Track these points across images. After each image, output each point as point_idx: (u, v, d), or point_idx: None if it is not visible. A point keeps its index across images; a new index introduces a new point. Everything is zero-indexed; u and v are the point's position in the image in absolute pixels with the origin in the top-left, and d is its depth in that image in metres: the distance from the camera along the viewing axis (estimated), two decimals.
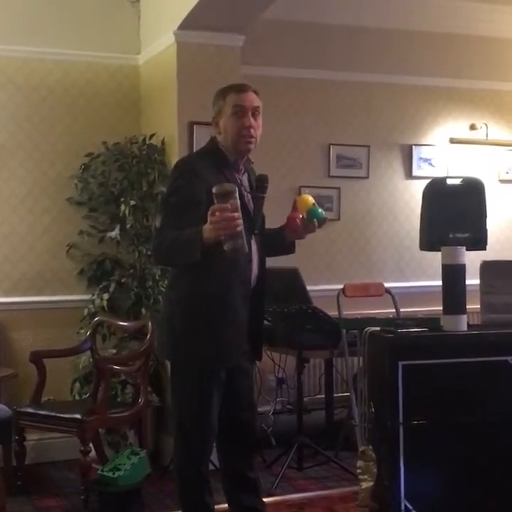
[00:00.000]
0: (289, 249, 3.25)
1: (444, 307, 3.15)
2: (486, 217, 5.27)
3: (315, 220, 3.05)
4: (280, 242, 3.19)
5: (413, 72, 5.79)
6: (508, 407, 3.05)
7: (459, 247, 3.17)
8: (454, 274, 3.13)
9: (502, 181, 6.13)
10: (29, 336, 4.86)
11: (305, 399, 4.91)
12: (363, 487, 3.04)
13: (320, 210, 3.09)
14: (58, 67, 5.00)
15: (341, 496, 4.14)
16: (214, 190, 2.73)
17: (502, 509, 3.06)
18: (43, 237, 4.97)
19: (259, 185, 3.08)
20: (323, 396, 5.19)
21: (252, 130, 3.05)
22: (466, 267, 4.16)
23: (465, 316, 3.12)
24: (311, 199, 3.11)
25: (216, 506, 3.14)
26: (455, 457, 3.01)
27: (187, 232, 2.83)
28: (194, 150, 4.65)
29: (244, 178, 3.14)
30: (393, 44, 5.75)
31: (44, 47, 4.95)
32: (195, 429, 3.08)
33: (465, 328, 3.11)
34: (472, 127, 6.02)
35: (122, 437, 4.60)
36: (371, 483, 3.02)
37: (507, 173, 6.14)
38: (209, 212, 2.71)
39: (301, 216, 3.08)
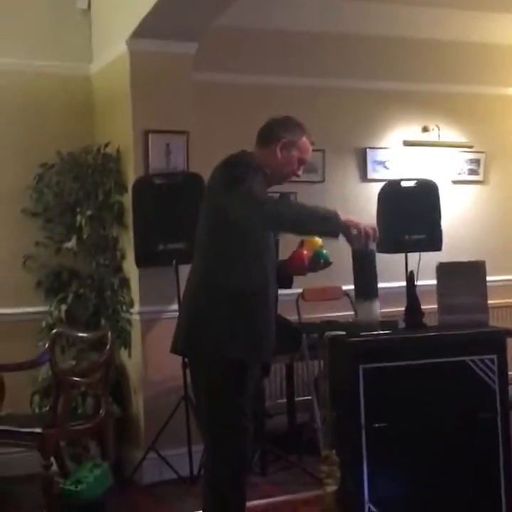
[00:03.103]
0: (287, 282, 3.38)
1: (356, 294, 3.15)
2: (440, 218, 5.39)
3: (322, 261, 3.17)
4: (280, 274, 3.27)
5: (366, 76, 5.84)
6: (468, 408, 3.10)
7: None
8: (363, 260, 3.13)
9: (455, 182, 6.22)
10: None
11: (267, 404, 4.93)
12: (327, 491, 3.06)
13: (326, 251, 3.22)
14: (9, 76, 4.93)
15: (305, 500, 4.15)
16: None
17: (464, 507, 3.10)
18: None
19: None
20: (285, 400, 5.21)
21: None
22: (423, 267, 4.22)
23: (377, 302, 3.10)
24: (319, 241, 3.27)
25: None
26: (418, 459, 3.04)
27: (315, 206, 2.99)
28: (150, 158, 4.64)
29: None
30: (346, 49, 5.80)
31: None
32: (238, 429, 3.07)
33: (378, 314, 3.10)
34: (425, 129, 6.09)
35: (84, 449, 4.56)
36: (335, 487, 3.04)
37: (459, 174, 6.24)
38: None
39: (305, 253, 3.20)
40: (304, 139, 3.20)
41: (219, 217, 3.06)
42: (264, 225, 3.00)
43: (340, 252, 5.26)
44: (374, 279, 3.11)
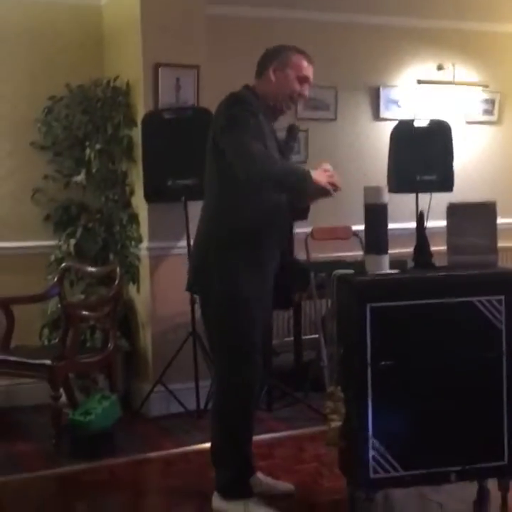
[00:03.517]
0: (303, 214, 3.38)
1: (366, 247, 3.16)
2: (452, 159, 5.33)
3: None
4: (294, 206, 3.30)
5: (380, 12, 5.71)
6: (474, 347, 3.11)
7: (380, 186, 3.15)
8: (376, 214, 3.11)
9: (469, 122, 6.13)
10: None
11: (274, 341, 4.95)
12: (332, 426, 3.09)
13: None
14: (18, 7, 4.85)
15: (310, 436, 4.21)
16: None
17: (466, 446, 3.14)
18: (7, 182, 4.90)
19: (291, 134, 3.27)
20: (292, 338, 5.24)
21: (301, 101, 3.27)
22: (434, 208, 4.19)
23: (387, 256, 3.11)
24: None
25: None
26: (422, 397, 3.06)
27: (293, 165, 3.08)
28: (159, 93, 4.58)
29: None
30: None
31: None
32: (247, 362, 3.12)
33: (387, 269, 3.11)
34: (439, 67, 5.97)
35: (93, 382, 4.62)
36: (339, 423, 3.08)
37: (474, 114, 6.14)
38: (324, 167, 3.04)
39: None
40: (296, 56, 3.17)
41: (226, 157, 3.05)
42: (250, 184, 3.03)
43: (350, 191, 5.26)
44: (385, 234, 3.11)
